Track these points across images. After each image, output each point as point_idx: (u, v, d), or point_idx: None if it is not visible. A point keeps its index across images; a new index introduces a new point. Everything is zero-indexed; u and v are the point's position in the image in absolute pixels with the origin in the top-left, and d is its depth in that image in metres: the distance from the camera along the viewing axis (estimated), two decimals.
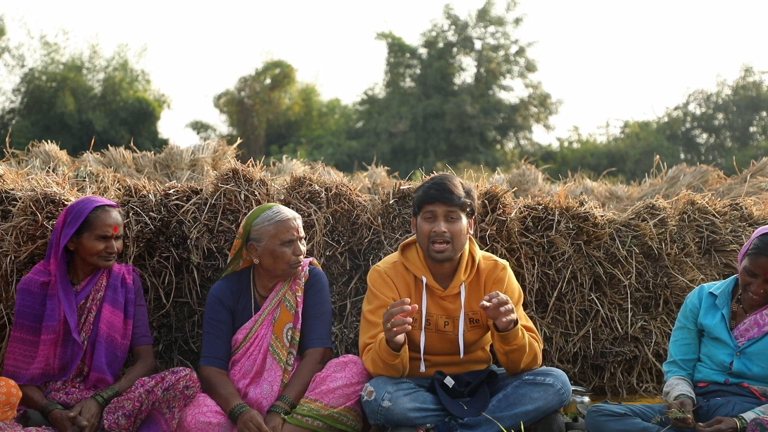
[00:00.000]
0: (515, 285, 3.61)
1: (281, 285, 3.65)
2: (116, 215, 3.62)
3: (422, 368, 3.49)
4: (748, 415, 3.10)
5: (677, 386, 3.38)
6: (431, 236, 3.45)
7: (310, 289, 3.66)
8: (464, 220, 3.48)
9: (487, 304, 3.24)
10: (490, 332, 3.61)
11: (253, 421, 3.31)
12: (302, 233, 3.63)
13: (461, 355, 3.53)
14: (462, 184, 3.52)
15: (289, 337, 3.59)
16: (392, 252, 3.99)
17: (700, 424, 3.15)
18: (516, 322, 3.34)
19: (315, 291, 3.66)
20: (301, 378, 3.50)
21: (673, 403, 3.25)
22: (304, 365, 3.54)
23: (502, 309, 3.25)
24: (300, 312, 3.61)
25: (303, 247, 3.62)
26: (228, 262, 3.74)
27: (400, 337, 3.31)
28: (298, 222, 3.63)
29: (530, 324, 3.54)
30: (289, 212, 3.63)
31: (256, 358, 3.58)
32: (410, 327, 3.24)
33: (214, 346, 3.59)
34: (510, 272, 3.62)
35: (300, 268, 3.62)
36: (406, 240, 3.68)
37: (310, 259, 3.79)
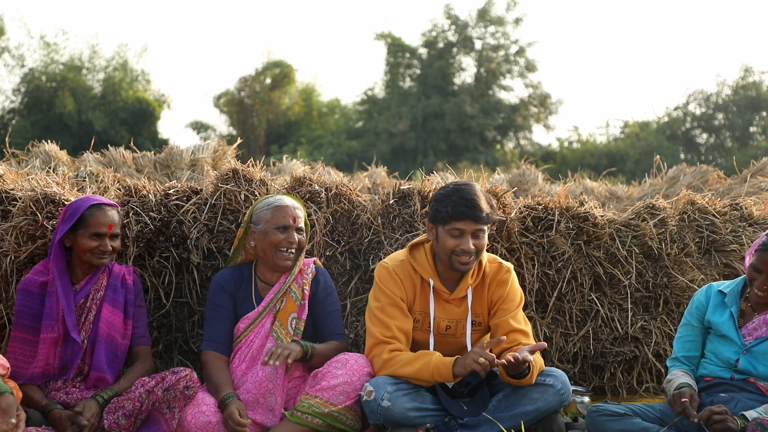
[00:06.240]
0: (517, 288, 3.59)
1: (286, 277, 3.65)
2: (112, 214, 3.62)
3: None
4: (751, 414, 3.10)
5: (680, 377, 3.39)
6: (457, 251, 3.39)
7: (320, 287, 3.68)
8: (487, 232, 3.47)
9: (510, 360, 3.18)
10: (489, 335, 3.62)
11: (231, 417, 3.29)
12: (300, 224, 3.63)
13: None
14: (485, 195, 3.44)
15: (293, 326, 3.61)
16: (392, 252, 3.98)
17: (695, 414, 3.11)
18: (529, 366, 3.29)
19: (327, 291, 3.70)
20: (328, 345, 3.59)
21: (682, 392, 3.23)
22: (331, 343, 3.62)
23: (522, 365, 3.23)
24: (306, 305, 3.63)
25: (300, 236, 3.62)
26: (231, 253, 3.78)
27: None
28: (298, 212, 3.64)
29: (528, 328, 3.52)
30: (289, 201, 3.67)
31: (254, 343, 3.59)
32: None
33: (214, 331, 3.62)
34: (513, 275, 3.60)
35: (290, 259, 3.61)
36: (415, 240, 3.64)
37: (314, 258, 3.80)
